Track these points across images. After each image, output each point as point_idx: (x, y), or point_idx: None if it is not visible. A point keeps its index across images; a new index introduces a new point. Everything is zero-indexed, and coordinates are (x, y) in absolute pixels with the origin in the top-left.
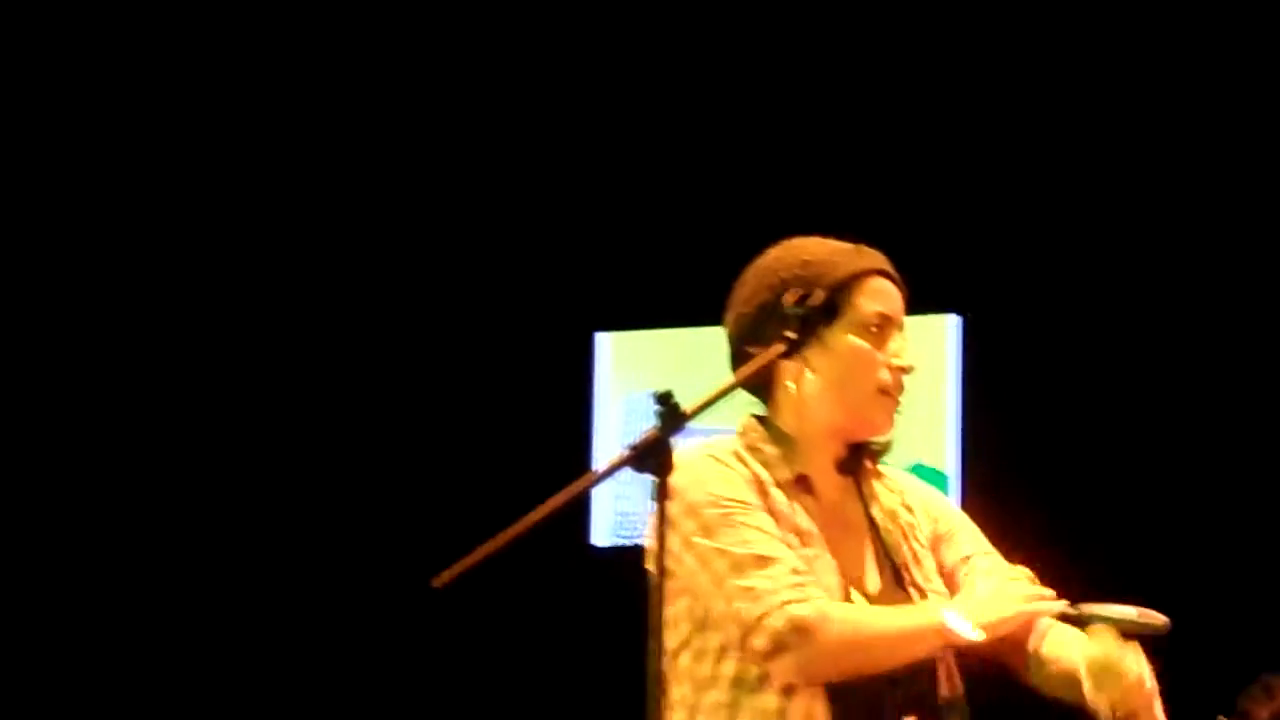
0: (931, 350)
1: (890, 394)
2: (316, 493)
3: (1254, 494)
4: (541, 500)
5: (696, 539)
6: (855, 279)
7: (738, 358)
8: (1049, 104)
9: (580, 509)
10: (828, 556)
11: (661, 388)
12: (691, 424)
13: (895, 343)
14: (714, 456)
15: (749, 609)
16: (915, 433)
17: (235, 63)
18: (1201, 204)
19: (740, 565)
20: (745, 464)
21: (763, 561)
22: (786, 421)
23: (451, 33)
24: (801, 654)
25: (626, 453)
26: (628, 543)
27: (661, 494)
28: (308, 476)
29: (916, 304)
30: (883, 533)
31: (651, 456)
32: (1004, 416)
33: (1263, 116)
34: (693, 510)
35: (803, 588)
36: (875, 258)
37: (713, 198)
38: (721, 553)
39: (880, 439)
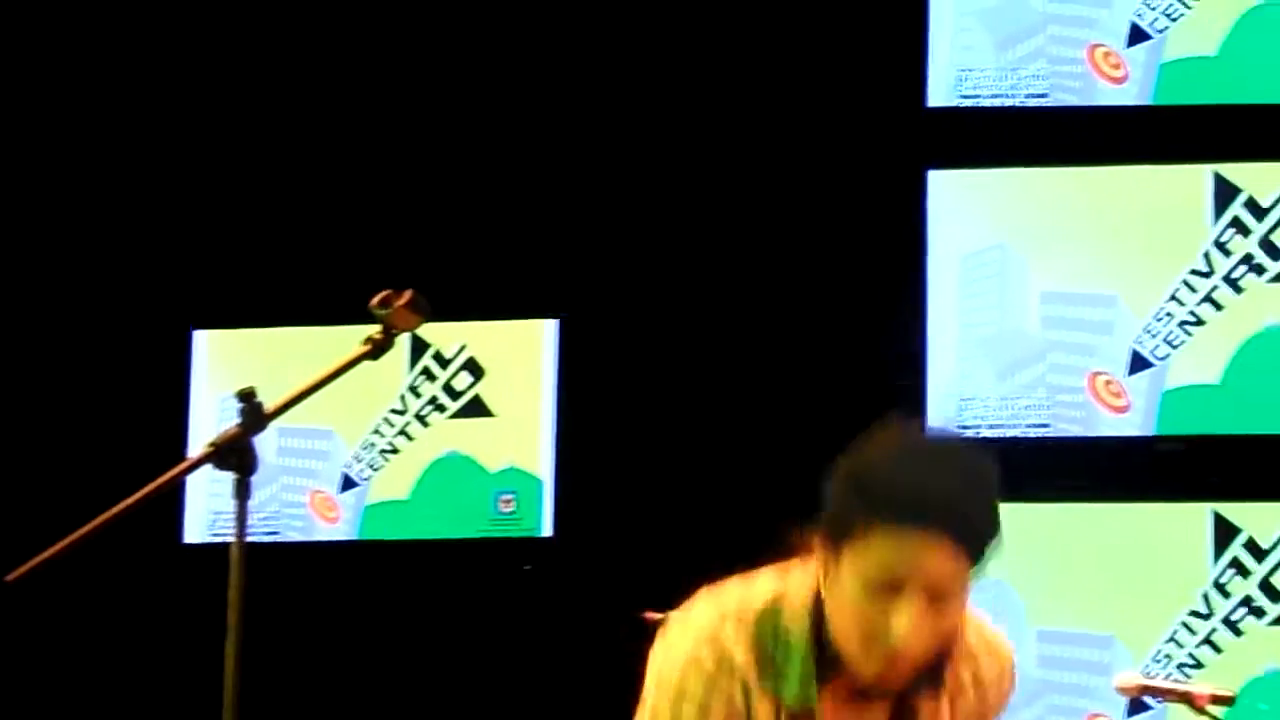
0: (528, 354)
1: (879, 649)
2: None
3: None
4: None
5: None
6: (883, 523)
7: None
8: (641, 111)
9: (172, 507)
10: None
11: (248, 385)
12: (277, 422)
13: (899, 607)
14: (706, 659)
15: None
16: (510, 437)
17: None
18: (796, 211)
19: None
20: (733, 675)
21: None
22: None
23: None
24: None
25: (207, 450)
26: (220, 541)
27: (241, 492)
28: None
29: (514, 309)
30: None
31: (233, 454)
32: (599, 420)
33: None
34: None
35: None
36: (926, 509)
37: (314, 198)
38: None
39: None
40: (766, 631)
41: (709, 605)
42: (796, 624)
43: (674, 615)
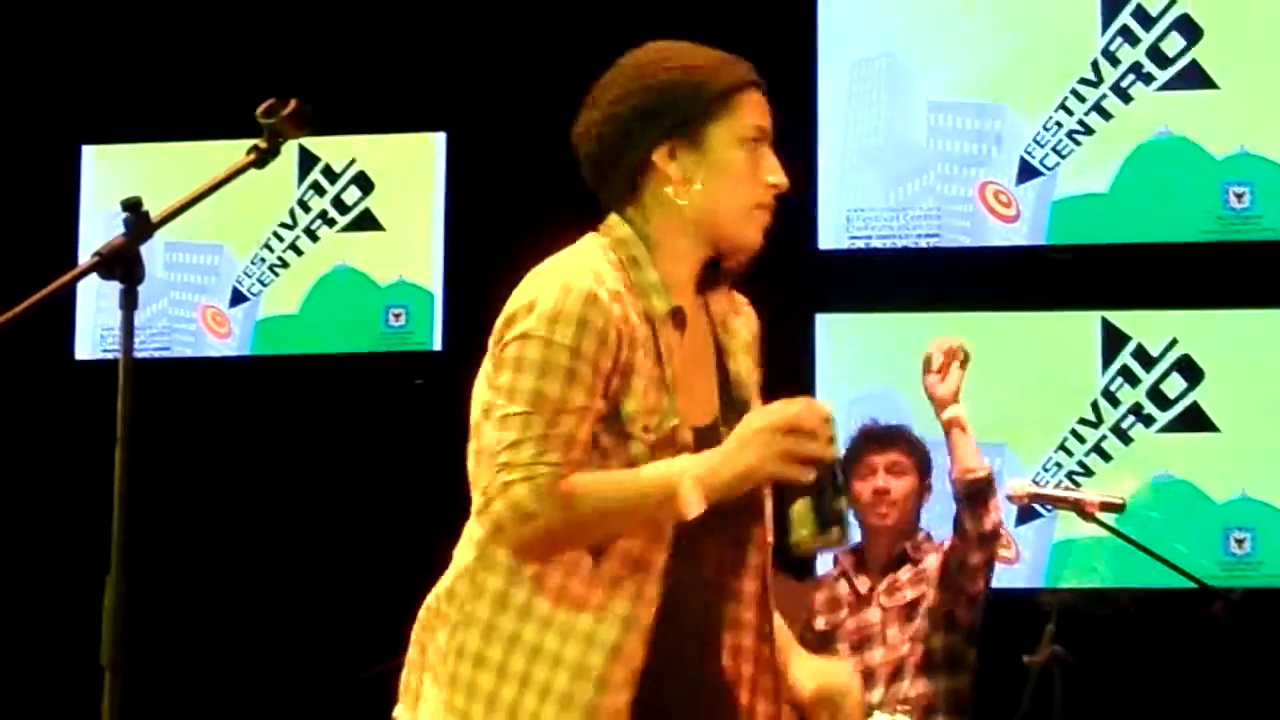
0: (418, 167)
1: (765, 209)
2: None
3: None
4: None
5: (505, 363)
6: (738, 88)
7: (602, 163)
8: None
9: (63, 323)
10: (674, 402)
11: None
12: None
13: (770, 159)
14: (590, 291)
15: (489, 478)
16: (400, 250)
17: None
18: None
19: (507, 421)
20: (619, 300)
21: (528, 423)
22: (655, 231)
23: None
24: (519, 533)
25: (92, 259)
26: (111, 357)
27: (128, 303)
28: None
29: (404, 122)
30: (728, 358)
31: (118, 263)
32: (489, 233)
33: None
34: (524, 334)
35: (543, 457)
36: (752, 69)
37: (203, 12)
38: (509, 391)
39: (740, 258)
40: (624, 260)
41: (567, 256)
42: (638, 251)
43: (532, 273)
